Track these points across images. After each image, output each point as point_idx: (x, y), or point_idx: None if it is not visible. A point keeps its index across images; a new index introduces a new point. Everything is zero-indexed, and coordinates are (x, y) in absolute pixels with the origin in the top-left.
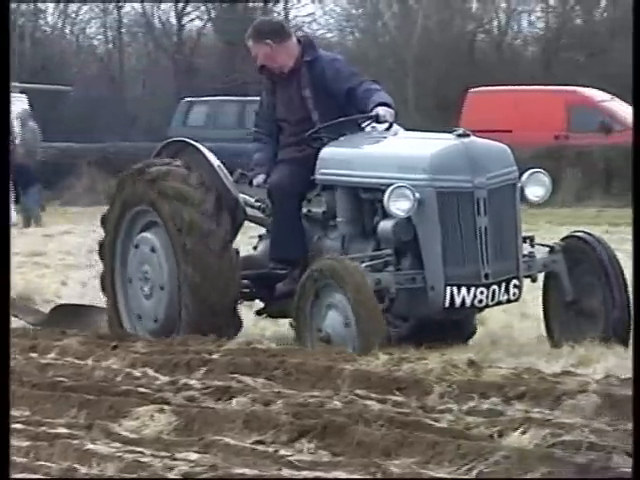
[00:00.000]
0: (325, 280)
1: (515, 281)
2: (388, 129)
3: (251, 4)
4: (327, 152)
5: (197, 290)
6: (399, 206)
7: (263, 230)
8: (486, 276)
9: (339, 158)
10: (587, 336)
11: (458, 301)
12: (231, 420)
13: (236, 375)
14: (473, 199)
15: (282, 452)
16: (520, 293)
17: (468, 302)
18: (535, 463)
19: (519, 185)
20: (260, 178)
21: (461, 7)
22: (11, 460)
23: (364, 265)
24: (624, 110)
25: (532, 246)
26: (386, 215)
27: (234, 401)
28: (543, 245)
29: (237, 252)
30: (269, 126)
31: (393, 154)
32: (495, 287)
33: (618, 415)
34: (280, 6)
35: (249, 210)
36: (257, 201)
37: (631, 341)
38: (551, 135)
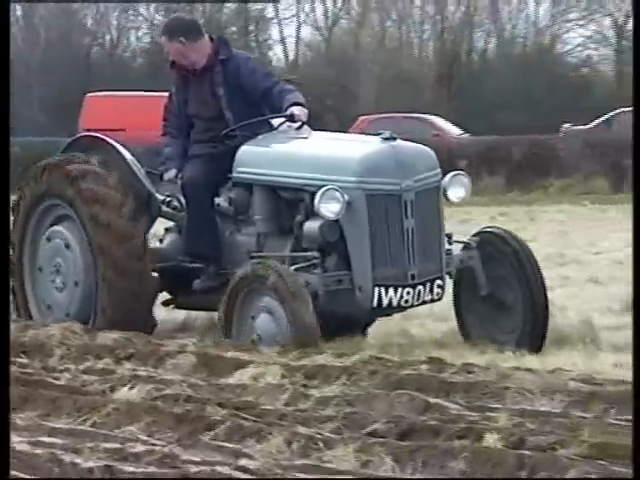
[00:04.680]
0: (255, 284)
1: (439, 281)
2: (299, 128)
3: None
4: (246, 151)
5: (113, 284)
6: (329, 208)
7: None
8: (412, 277)
9: (259, 157)
10: (503, 330)
11: (385, 301)
12: None
13: None
14: (401, 201)
15: None
16: (443, 292)
17: (395, 302)
18: (141, 414)
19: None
20: (172, 173)
21: (78, 22)
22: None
23: (293, 268)
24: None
25: (450, 243)
26: (308, 215)
27: None
28: (457, 242)
29: (160, 241)
30: (178, 121)
31: (319, 155)
32: (420, 287)
33: (211, 372)
34: None
35: (163, 206)
36: (168, 196)
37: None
38: (159, 133)
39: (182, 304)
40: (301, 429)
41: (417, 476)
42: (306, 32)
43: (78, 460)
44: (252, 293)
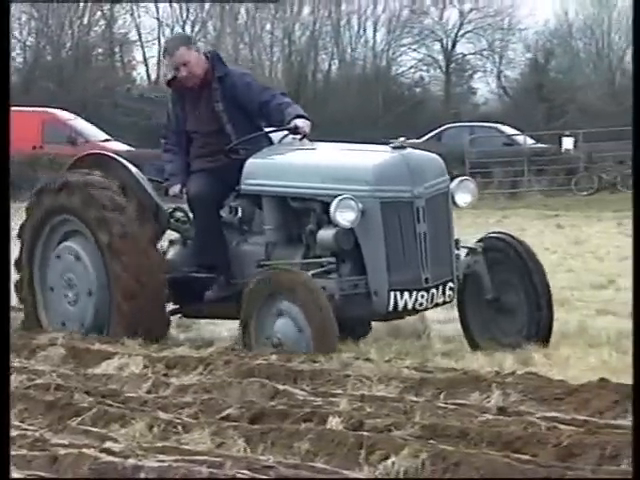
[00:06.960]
0: (274, 290)
1: (450, 284)
2: (301, 139)
3: None
4: (254, 163)
5: (128, 289)
6: (345, 217)
7: (173, 235)
8: (426, 280)
9: (268, 169)
10: (507, 332)
11: (401, 305)
12: None
13: None
14: (413, 208)
15: None
16: (454, 294)
17: (410, 306)
18: (14, 401)
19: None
20: (176, 188)
21: None
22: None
23: (311, 273)
24: (85, 126)
25: (457, 248)
26: (320, 224)
27: None
28: (464, 247)
29: (163, 254)
30: (177, 137)
31: (331, 165)
32: (434, 290)
33: (79, 363)
34: None
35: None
36: (174, 209)
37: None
38: (30, 145)
39: (190, 313)
40: (162, 414)
41: (267, 456)
42: None
43: None
44: (271, 298)
